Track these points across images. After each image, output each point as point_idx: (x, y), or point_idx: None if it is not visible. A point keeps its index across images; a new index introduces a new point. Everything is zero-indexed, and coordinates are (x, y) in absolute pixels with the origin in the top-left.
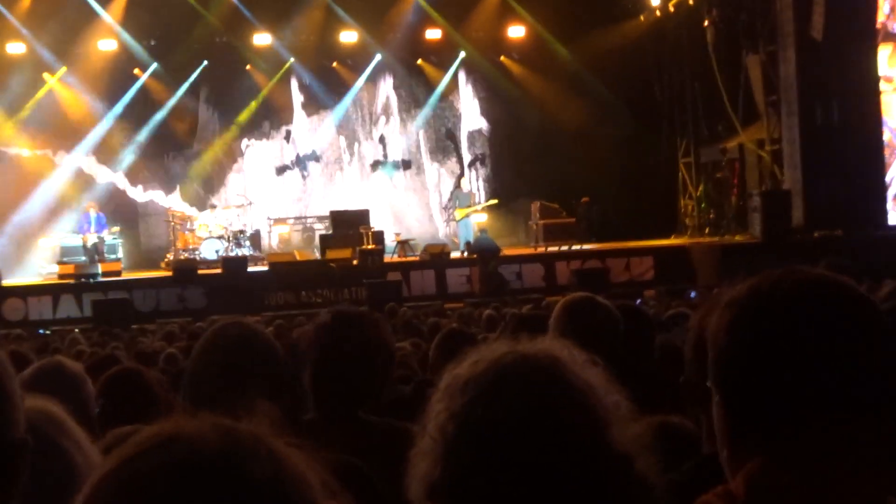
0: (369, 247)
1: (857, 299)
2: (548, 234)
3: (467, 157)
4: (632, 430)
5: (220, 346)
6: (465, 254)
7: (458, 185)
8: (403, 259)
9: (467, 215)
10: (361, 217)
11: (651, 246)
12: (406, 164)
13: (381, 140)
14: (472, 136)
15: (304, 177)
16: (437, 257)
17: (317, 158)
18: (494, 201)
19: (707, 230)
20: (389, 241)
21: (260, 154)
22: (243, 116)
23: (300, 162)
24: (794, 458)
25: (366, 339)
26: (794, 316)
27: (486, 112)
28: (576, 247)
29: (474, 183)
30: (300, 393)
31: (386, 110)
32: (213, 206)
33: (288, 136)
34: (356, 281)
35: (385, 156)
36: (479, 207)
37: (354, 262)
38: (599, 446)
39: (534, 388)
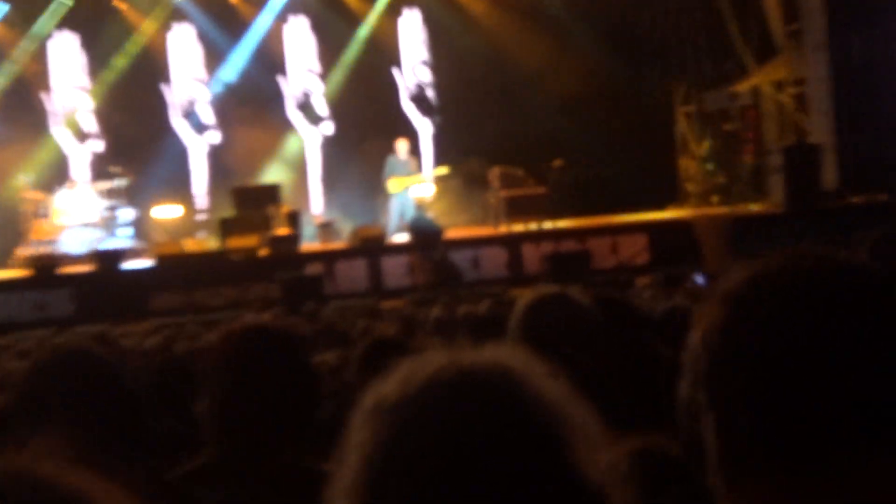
0: (282, 232)
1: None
2: (511, 210)
3: (407, 115)
4: (605, 457)
5: (38, 379)
6: (399, 237)
7: (392, 151)
8: (326, 247)
9: (405, 188)
10: (271, 194)
11: (644, 221)
12: (328, 126)
13: (297, 95)
14: (412, 87)
15: (197, 145)
16: (369, 243)
17: (211, 121)
18: (444, 170)
19: (715, 198)
20: (308, 225)
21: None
22: (115, 66)
23: (191, 125)
24: (803, 492)
25: (284, 362)
26: (807, 315)
27: (428, 55)
28: (547, 225)
29: (419, 147)
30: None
31: (300, 57)
32: (73, 183)
33: (174, 93)
34: (266, 275)
35: (303, 115)
36: (422, 178)
37: (262, 251)
38: (564, 480)
39: (480, 411)
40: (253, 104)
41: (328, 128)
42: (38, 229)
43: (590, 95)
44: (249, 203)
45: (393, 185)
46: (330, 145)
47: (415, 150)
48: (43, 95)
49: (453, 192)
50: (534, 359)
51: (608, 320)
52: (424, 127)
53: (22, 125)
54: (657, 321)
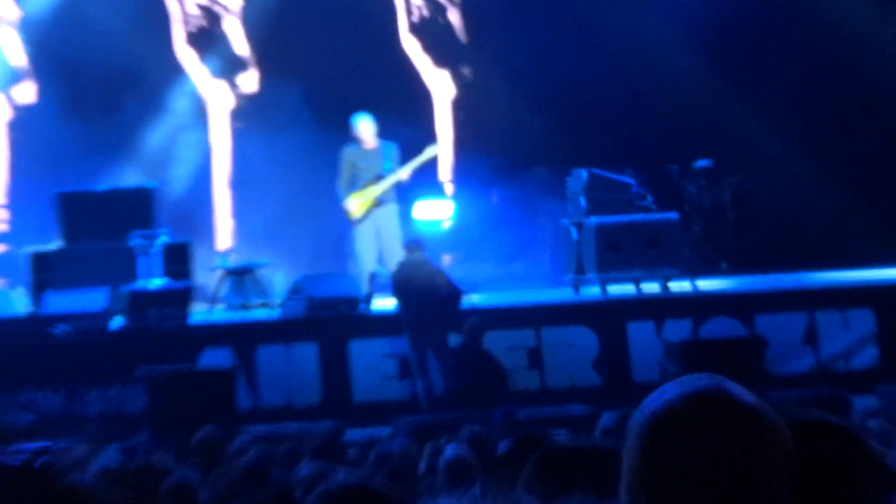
0: (153, 283)
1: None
2: (607, 253)
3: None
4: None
5: None
6: (380, 300)
7: (351, 136)
8: (243, 316)
9: (373, 203)
10: (138, 204)
11: (868, 286)
12: (248, 80)
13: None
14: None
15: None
16: (322, 309)
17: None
18: (432, 150)
19: None
20: (205, 270)
21: None
22: None
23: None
24: None
25: None
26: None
27: None
28: (679, 286)
29: (397, 131)
30: None
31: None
32: None
33: None
34: (120, 370)
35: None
36: (398, 175)
37: (112, 318)
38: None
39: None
40: None
41: (249, 81)
42: None
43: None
44: (91, 226)
45: (356, 202)
46: (251, 126)
47: (395, 132)
48: None
49: (485, 214)
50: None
51: (818, 459)
52: (439, 88)
53: None
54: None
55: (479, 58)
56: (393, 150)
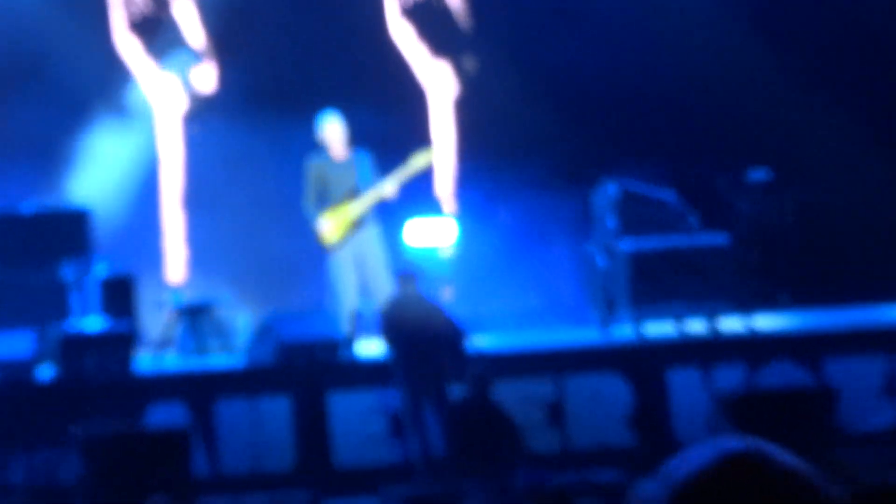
0: (90, 324)
1: None
2: (643, 284)
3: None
4: None
5: None
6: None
7: (317, 142)
8: (200, 365)
9: (351, 225)
10: (70, 228)
11: None
12: (204, 78)
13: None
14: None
15: None
16: (296, 355)
17: None
18: (425, 158)
19: None
20: (161, 306)
21: None
22: None
23: None
24: None
25: None
26: None
27: None
28: (726, 323)
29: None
30: None
31: None
32: None
33: None
34: (51, 430)
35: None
36: (380, 189)
37: (39, 366)
38: None
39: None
40: None
41: (204, 77)
42: None
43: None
44: (12, 255)
45: (330, 225)
46: (207, 131)
47: (381, 136)
48: None
49: (492, 236)
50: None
51: None
52: (436, 83)
53: None
54: None
55: (487, 47)
56: (366, 160)
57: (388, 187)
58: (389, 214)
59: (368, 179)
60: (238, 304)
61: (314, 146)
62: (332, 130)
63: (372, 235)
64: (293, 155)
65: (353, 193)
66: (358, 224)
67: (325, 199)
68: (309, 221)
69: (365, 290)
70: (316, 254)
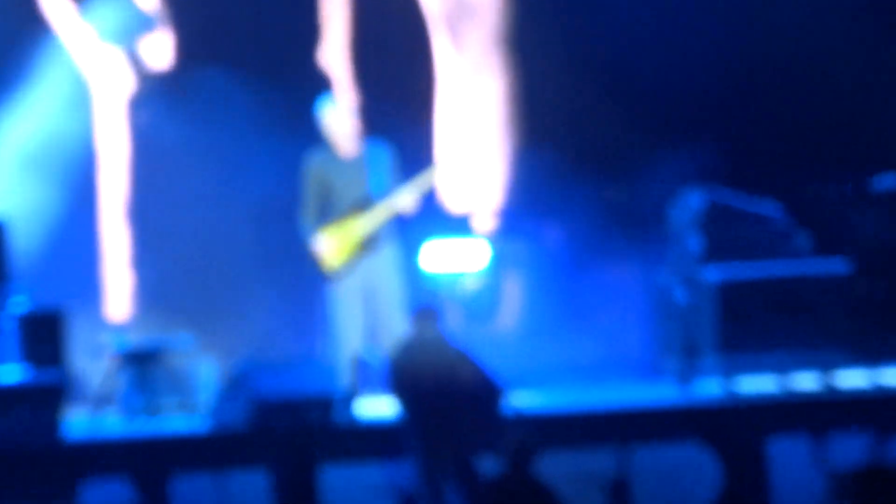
0: (7, 374)
1: None
2: (737, 330)
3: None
4: None
5: None
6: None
7: (325, 136)
8: (154, 427)
9: (359, 246)
10: None
11: None
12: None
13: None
14: None
15: None
16: (284, 412)
17: None
18: (433, 176)
19: None
20: (98, 350)
21: None
22: None
23: None
24: None
25: None
26: None
27: None
28: (844, 377)
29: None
30: None
31: None
32: None
33: None
34: None
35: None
36: (398, 200)
37: None
38: None
39: None
40: None
41: (157, 50)
42: None
43: None
44: None
45: (333, 244)
46: (160, 121)
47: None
48: None
49: (536, 263)
50: None
51: None
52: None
53: None
54: None
55: (533, 34)
56: (383, 157)
57: (407, 198)
58: (406, 232)
59: (384, 184)
60: (200, 348)
61: (306, 142)
62: (335, 119)
63: (386, 260)
64: (277, 152)
65: (363, 203)
66: (368, 244)
67: (329, 208)
68: (303, 239)
69: (373, 332)
70: (310, 282)
